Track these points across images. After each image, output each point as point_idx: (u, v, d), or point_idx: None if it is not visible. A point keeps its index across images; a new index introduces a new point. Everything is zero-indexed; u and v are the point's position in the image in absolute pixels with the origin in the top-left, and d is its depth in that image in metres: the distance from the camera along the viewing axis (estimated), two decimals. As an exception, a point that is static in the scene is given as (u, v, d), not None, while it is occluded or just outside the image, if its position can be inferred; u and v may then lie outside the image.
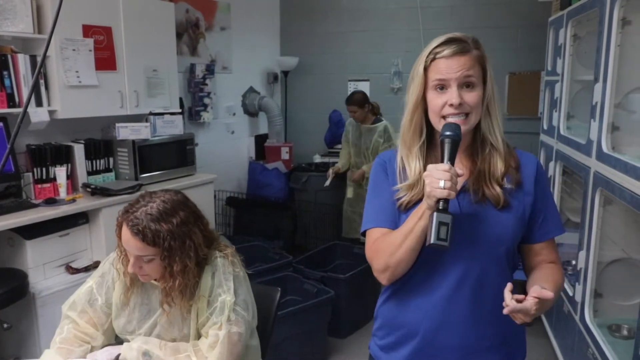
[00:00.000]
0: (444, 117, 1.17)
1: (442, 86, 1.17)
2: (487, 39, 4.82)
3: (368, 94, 5.24)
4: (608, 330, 2.21)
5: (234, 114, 4.76)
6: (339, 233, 4.45)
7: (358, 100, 4.04)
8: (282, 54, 5.33)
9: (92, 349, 1.56)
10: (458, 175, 1.10)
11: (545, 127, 3.42)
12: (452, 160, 1.12)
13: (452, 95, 1.15)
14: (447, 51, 1.15)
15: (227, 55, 4.59)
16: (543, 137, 3.48)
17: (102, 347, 1.59)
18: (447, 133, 1.13)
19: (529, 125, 4.37)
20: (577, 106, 2.93)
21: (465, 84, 1.16)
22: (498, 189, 1.19)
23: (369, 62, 5.05)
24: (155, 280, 1.52)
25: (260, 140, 5.05)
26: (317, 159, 4.97)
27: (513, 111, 4.52)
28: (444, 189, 1.06)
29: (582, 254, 2.34)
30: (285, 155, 4.89)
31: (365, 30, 5.02)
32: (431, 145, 1.26)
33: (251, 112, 4.96)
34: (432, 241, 1.06)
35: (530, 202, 1.22)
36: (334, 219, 4.41)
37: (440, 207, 1.07)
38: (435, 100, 1.18)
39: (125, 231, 1.40)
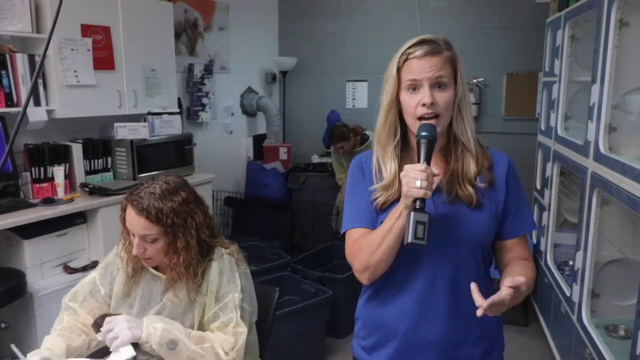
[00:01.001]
0: (419, 118, 1.20)
1: (414, 86, 1.20)
2: (485, 40, 4.85)
3: (366, 94, 5.26)
4: (605, 330, 2.22)
5: (232, 114, 4.76)
6: (337, 233, 4.46)
7: (342, 135, 4.05)
8: (280, 54, 5.33)
9: (90, 342, 1.56)
10: (434, 175, 1.13)
11: (542, 127, 3.43)
12: (428, 161, 1.15)
13: (424, 94, 1.18)
14: (419, 52, 1.18)
15: (226, 55, 4.59)
16: (540, 138, 3.49)
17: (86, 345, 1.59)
18: (423, 134, 1.16)
19: (527, 126, 4.38)
20: (575, 107, 2.94)
21: (437, 84, 1.19)
22: (470, 189, 1.22)
23: (367, 63, 5.05)
24: (156, 269, 1.55)
25: (258, 140, 5.05)
26: (315, 159, 4.98)
27: (511, 112, 4.53)
28: (421, 188, 1.09)
29: (579, 255, 2.35)
30: (283, 155, 4.89)
31: (364, 30, 5.03)
32: (406, 145, 1.29)
33: (249, 112, 4.96)
34: (409, 240, 1.08)
35: (502, 200, 1.25)
36: (332, 219, 4.41)
37: (417, 207, 1.10)
38: (409, 100, 1.21)
39: (130, 211, 1.44)
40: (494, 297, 1.05)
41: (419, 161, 1.15)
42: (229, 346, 1.45)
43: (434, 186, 1.16)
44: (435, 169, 1.20)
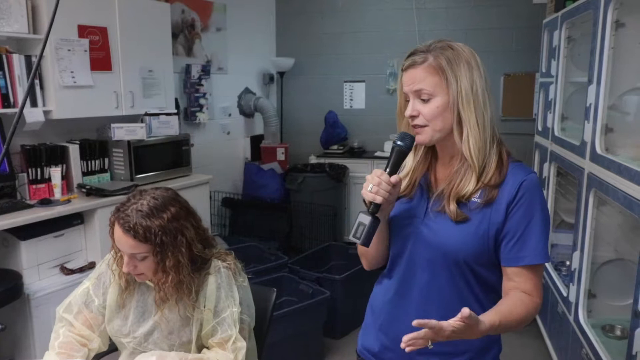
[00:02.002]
0: (413, 126, 1.20)
1: (407, 97, 1.20)
2: (482, 41, 4.86)
3: (363, 95, 5.27)
4: (602, 330, 2.22)
5: (230, 115, 4.76)
6: (335, 234, 4.46)
7: None
8: (277, 54, 5.33)
9: (90, 352, 1.55)
10: (391, 183, 1.15)
11: (539, 128, 3.44)
12: (393, 169, 1.17)
13: (408, 107, 1.19)
14: (405, 65, 1.19)
15: (223, 56, 4.59)
16: (537, 139, 3.50)
17: (99, 349, 1.58)
18: (397, 142, 1.18)
19: (524, 126, 4.39)
20: (572, 108, 2.95)
21: (420, 97, 1.17)
22: (453, 206, 1.16)
23: (365, 63, 5.06)
24: (150, 281, 1.52)
25: (256, 141, 5.05)
26: (313, 159, 4.98)
27: (508, 112, 4.54)
28: (370, 192, 1.14)
29: (576, 255, 2.35)
30: (280, 156, 4.89)
31: (361, 31, 5.03)
32: (426, 148, 1.28)
33: (247, 112, 4.96)
34: (350, 236, 1.18)
35: (498, 221, 1.15)
36: (330, 220, 4.41)
37: (370, 209, 1.15)
38: (405, 110, 1.21)
39: (117, 230, 1.40)
40: (431, 321, 0.98)
41: (386, 166, 1.17)
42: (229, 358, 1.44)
43: (436, 192, 1.21)
44: (442, 177, 1.24)
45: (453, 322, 0.98)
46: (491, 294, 1.22)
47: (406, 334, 1.09)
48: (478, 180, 1.16)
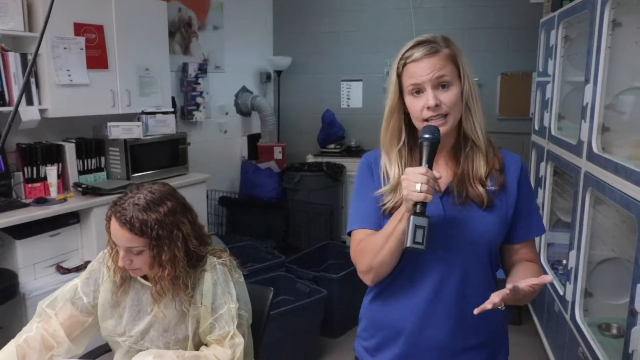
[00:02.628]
0: (425, 120, 1.17)
1: (417, 90, 1.17)
2: (479, 40, 4.85)
3: (360, 94, 5.27)
4: (598, 329, 2.23)
5: (227, 114, 4.75)
6: (332, 233, 4.46)
7: None
8: (275, 53, 5.32)
9: (52, 358, 1.49)
10: (436, 178, 1.10)
11: (536, 127, 3.45)
12: (430, 163, 1.12)
13: (428, 97, 1.15)
14: (416, 54, 1.16)
15: (220, 55, 4.58)
16: (534, 138, 3.50)
17: (66, 354, 1.51)
18: (426, 136, 1.13)
19: (521, 125, 4.40)
20: (568, 107, 2.95)
21: (440, 84, 1.16)
22: (481, 188, 1.19)
23: (362, 62, 5.06)
24: (145, 279, 1.51)
25: (253, 139, 5.04)
26: (310, 158, 4.97)
27: (505, 111, 4.54)
28: (420, 192, 1.06)
29: (572, 254, 2.36)
30: (278, 154, 4.88)
31: (358, 30, 5.03)
32: (414, 149, 1.26)
33: (244, 111, 4.95)
34: (408, 244, 1.07)
35: (512, 203, 1.23)
36: (327, 219, 4.41)
37: (418, 211, 1.08)
38: (414, 105, 1.18)
39: (114, 223, 1.40)
40: (517, 285, 1.04)
41: (421, 164, 1.12)
42: (227, 359, 1.43)
43: (443, 187, 1.17)
44: (444, 169, 1.22)
45: (525, 286, 1.04)
46: (494, 272, 1.29)
47: (445, 335, 1.22)
48: (487, 162, 1.22)
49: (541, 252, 3.11)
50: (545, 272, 2.71)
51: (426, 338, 1.24)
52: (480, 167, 1.21)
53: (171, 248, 1.41)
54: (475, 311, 1.04)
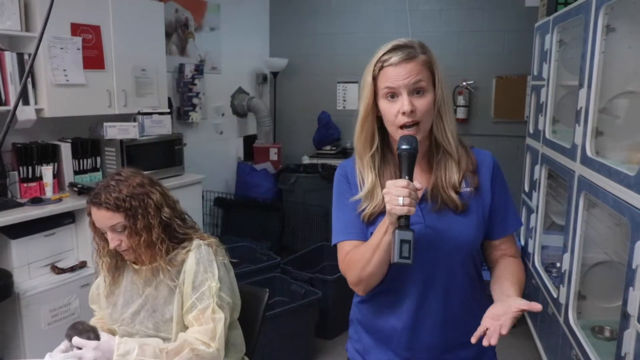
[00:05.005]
0: (400, 127, 1.17)
1: (392, 94, 1.16)
2: (474, 43, 4.88)
3: (356, 95, 5.25)
4: (591, 331, 2.24)
5: (223, 115, 4.75)
6: (327, 234, 4.46)
7: None
8: (271, 54, 5.33)
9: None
10: (417, 190, 1.09)
11: (531, 130, 3.47)
12: (410, 175, 1.11)
13: (403, 102, 1.14)
14: (394, 58, 1.14)
15: (216, 56, 4.58)
16: (529, 141, 3.52)
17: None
18: (404, 147, 1.12)
19: (515, 128, 4.42)
20: (563, 111, 2.97)
21: (415, 90, 1.15)
22: (454, 194, 1.20)
23: (358, 64, 5.03)
24: (136, 264, 1.58)
25: (248, 141, 5.04)
26: (306, 160, 4.98)
27: (500, 114, 4.57)
28: (403, 205, 1.06)
29: (566, 257, 2.38)
30: (273, 156, 4.89)
31: (354, 32, 5.04)
32: (386, 153, 1.26)
33: (240, 112, 4.96)
34: (395, 259, 1.06)
35: (488, 202, 1.24)
36: (322, 220, 4.41)
37: (402, 224, 1.07)
38: (389, 109, 1.17)
39: (93, 210, 1.50)
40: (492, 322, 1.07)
41: (401, 175, 1.11)
42: (208, 335, 1.45)
43: (420, 194, 1.17)
44: (419, 178, 1.20)
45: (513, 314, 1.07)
46: (478, 271, 1.32)
47: (434, 336, 1.25)
48: (459, 167, 1.22)
49: (535, 255, 3.13)
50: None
51: (415, 340, 1.26)
52: (453, 173, 1.22)
53: (145, 216, 1.49)
54: (473, 340, 1.08)
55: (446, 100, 1.20)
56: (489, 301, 1.22)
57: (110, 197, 1.46)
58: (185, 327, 1.53)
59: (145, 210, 1.49)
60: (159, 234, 1.50)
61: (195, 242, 1.57)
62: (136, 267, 1.58)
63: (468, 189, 1.22)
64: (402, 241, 1.05)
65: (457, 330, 1.26)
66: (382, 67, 1.16)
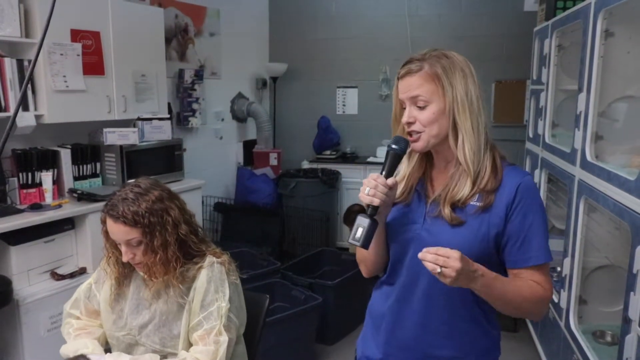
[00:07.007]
0: (408, 134, 1.23)
1: (403, 105, 1.23)
2: (473, 48, 4.89)
3: (356, 100, 5.29)
4: (592, 336, 2.23)
5: (223, 120, 4.75)
6: (327, 239, 4.46)
7: None
8: (271, 60, 5.34)
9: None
10: (389, 186, 1.18)
11: (530, 135, 3.47)
12: (389, 172, 1.20)
13: (405, 114, 1.22)
14: (402, 72, 1.22)
15: (216, 61, 4.59)
16: (529, 145, 3.53)
17: (103, 337, 1.65)
18: (392, 146, 1.21)
19: (515, 132, 4.43)
20: (562, 115, 2.98)
21: (416, 104, 1.20)
22: (448, 210, 1.19)
23: (358, 69, 5.08)
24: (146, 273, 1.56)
25: (248, 146, 5.04)
26: (306, 165, 4.98)
27: (499, 119, 4.57)
28: (367, 195, 1.16)
29: (567, 261, 2.37)
30: (273, 161, 4.89)
31: (354, 37, 5.05)
32: (414, 153, 1.31)
33: (240, 117, 4.96)
34: (349, 240, 1.18)
35: (497, 223, 1.18)
36: (322, 225, 4.41)
37: (368, 212, 1.17)
38: (402, 117, 1.24)
39: (109, 221, 1.47)
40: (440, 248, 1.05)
41: (382, 170, 1.20)
42: (209, 357, 1.45)
43: (435, 195, 1.22)
44: (440, 179, 1.26)
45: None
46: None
47: (410, 339, 1.25)
48: (473, 185, 1.19)
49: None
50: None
51: (399, 336, 1.30)
52: (461, 189, 1.19)
53: (162, 233, 1.47)
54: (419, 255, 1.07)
55: (468, 111, 1.18)
56: (485, 319, 1.24)
57: (128, 212, 1.43)
58: (190, 345, 1.52)
59: (163, 227, 1.47)
60: (174, 251, 1.48)
61: (208, 259, 1.55)
62: (146, 277, 1.55)
63: (477, 204, 1.19)
64: (358, 225, 1.16)
65: (437, 340, 1.25)
66: (398, 78, 1.24)
